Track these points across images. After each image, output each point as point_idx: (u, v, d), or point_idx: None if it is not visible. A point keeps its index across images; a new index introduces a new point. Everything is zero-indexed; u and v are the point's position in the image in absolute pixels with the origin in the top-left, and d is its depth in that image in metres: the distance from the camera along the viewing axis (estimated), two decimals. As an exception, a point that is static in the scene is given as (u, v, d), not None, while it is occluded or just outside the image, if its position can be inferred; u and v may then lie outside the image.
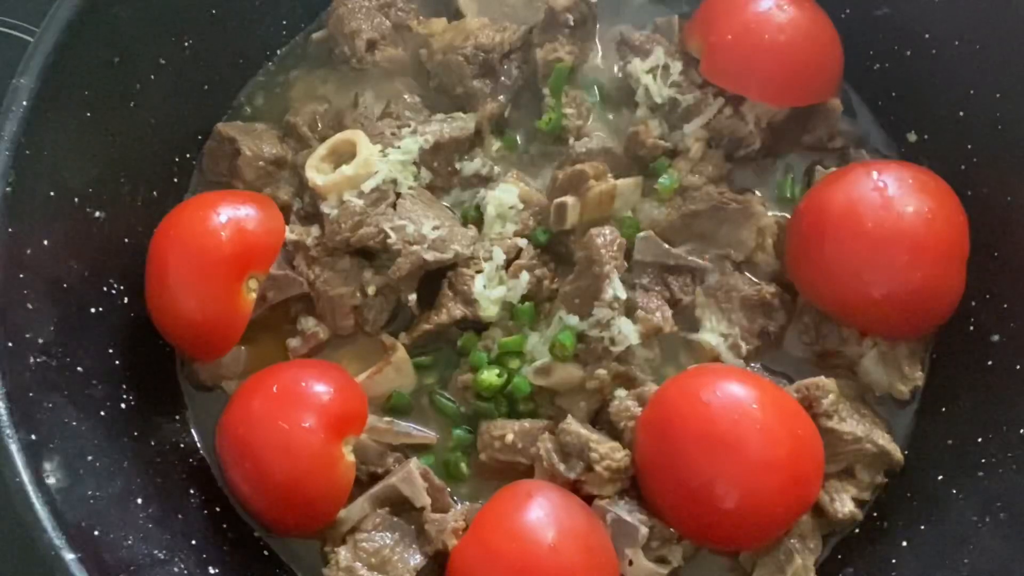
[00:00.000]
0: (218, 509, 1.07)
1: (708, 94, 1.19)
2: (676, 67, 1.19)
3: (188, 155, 1.22)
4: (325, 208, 1.12)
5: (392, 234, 1.10)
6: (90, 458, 0.93)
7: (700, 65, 1.18)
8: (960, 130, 1.10)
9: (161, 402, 1.11)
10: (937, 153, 1.15)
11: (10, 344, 0.89)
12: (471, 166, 1.21)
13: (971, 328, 1.07)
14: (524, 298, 1.12)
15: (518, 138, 1.24)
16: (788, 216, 1.16)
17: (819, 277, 1.08)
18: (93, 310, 1.03)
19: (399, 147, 1.15)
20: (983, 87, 1.07)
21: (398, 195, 1.14)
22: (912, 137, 1.19)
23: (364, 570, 0.99)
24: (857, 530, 1.07)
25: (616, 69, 1.22)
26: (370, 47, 1.24)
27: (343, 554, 1.00)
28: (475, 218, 1.18)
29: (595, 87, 1.26)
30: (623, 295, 1.07)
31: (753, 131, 1.18)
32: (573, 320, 1.08)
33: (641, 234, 1.13)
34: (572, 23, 1.20)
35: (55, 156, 0.98)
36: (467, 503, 1.08)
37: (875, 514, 1.08)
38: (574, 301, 1.09)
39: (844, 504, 1.04)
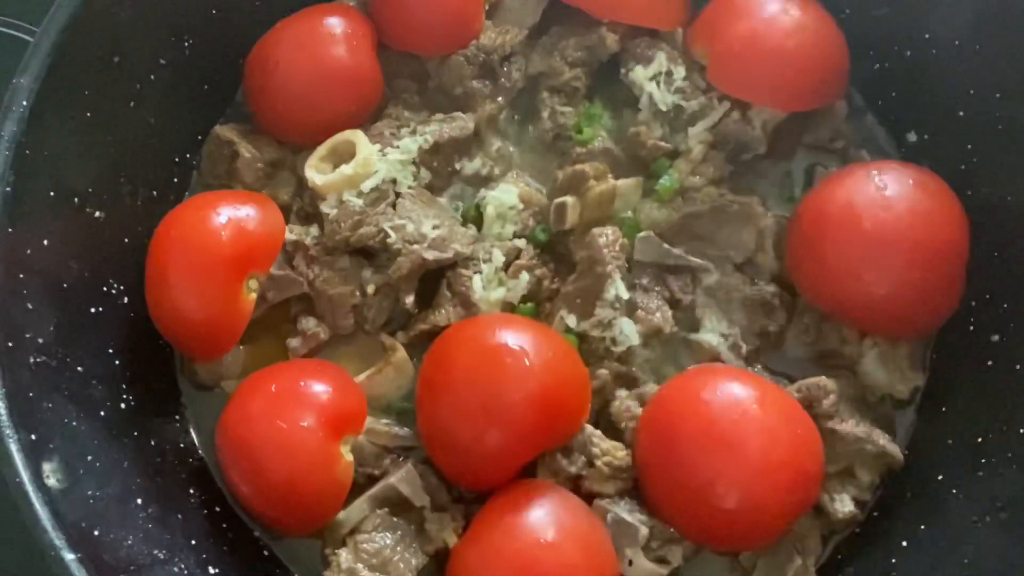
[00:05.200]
0: (218, 509, 1.07)
1: (713, 99, 1.19)
2: (679, 72, 1.19)
3: (188, 155, 1.22)
4: (324, 208, 1.12)
5: (392, 233, 1.10)
6: (90, 458, 0.93)
7: (707, 72, 1.18)
8: (960, 130, 1.10)
9: (161, 402, 1.12)
10: (937, 153, 1.15)
11: (10, 344, 0.89)
12: (471, 166, 1.21)
13: (971, 328, 1.07)
14: (524, 298, 1.12)
15: (511, 142, 1.25)
16: (788, 216, 1.16)
17: (819, 277, 1.08)
18: (93, 310, 1.03)
19: (398, 147, 1.15)
20: (983, 87, 1.07)
21: (398, 195, 1.14)
22: (912, 137, 1.19)
23: (365, 571, 0.99)
24: (857, 530, 1.07)
25: (623, 73, 1.22)
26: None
27: (344, 556, 1.00)
28: (475, 218, 1.17)
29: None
30: (625, 295, 1.07)
31: (760, 136, 1.18)
32: (574, 320, 1.08)
33: (641, 234, 1.13)
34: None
35: (55, 156, 0.98)
36: (467, 502, 1.07)
37: (875, 514, 1.08)
38: (575, 301, 1.09)
39: (844, 504, 1.04)
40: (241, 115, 1.26)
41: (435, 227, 1.11)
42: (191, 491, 1.06)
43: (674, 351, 1.13)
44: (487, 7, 1.24)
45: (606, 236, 1.09)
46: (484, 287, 1.11)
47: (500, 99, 1.23)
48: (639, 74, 1.19)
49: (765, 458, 0.93)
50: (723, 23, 1.17)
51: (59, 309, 0.97)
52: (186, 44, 1.16)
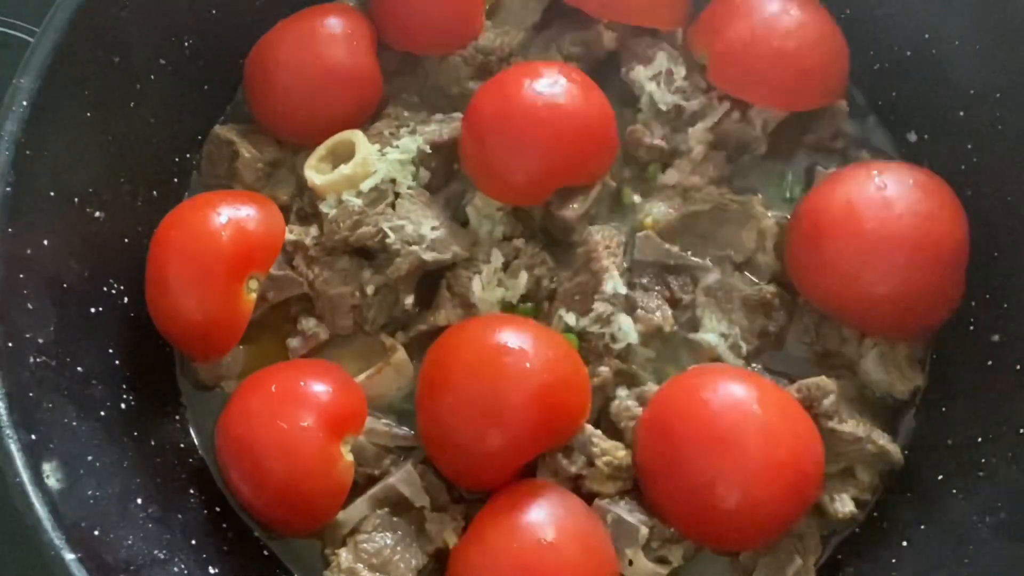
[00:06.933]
0: (218, 509, 1.07)
1: (713, 98, 1.19)
2: (679, 72, 1.19)
3: (188, 155, 1.22)
4: (323, 208, 1.12)
5: (391, 234, 1.10)
6: (90, 458, 0.93)
7: (707, 72, 1.18)
8: (960, 130, 1.11)
9: (161, 402, 1.12)
10: (937, 153, 1.15)
11: (10, 344, 0.89)
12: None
13: (971, 328, 1.07)
14: (524, 298, 1.12)
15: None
16: (789, 216, 1.16)
17: (819, 277, 1.08)
18: (93, 310, 1.03)
19: (397, 147, 1.15)
20: (983, 87, 1.07)
21: (397, 195, 1.14)
22: (912, 137, 1.19)
23: (366, 571, 0.99)
24: (857, 530, 1.07)
25: (623, 72, 1.22)
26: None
27: (344, 556, 1.00)
28: (465, 219, 1.17)
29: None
30: (623, 290, 1.07)
31: (760, 135, 1.18)
32: (573, 318, 1.08)
33: (641, 233, 1.14)
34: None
35: (55, 156, 0.98)
36: (467, 502, 1.08)
37: (875, 514, 1.08)
38: (574, 298, 1.09)
39: (844, 504, 1.04)
40: (241, 115, 1.26)
41: (434, 228, 1.11)
42: (191, 491, 1.06)
43: (674, 351, 1.13)
44: (487, 7, 1.24)
45: (603, 232, 1.10)
46: (483, 287, 1.11)
47: (499, 99, 1.23)
48: (640, 73, 1.19)
49: (765, 458, 0.93)
50: (723, 23, 1.17)
51: (59, 309, 0.97)
52: (186, 44, 1.16)
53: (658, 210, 1.17)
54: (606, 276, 1.07)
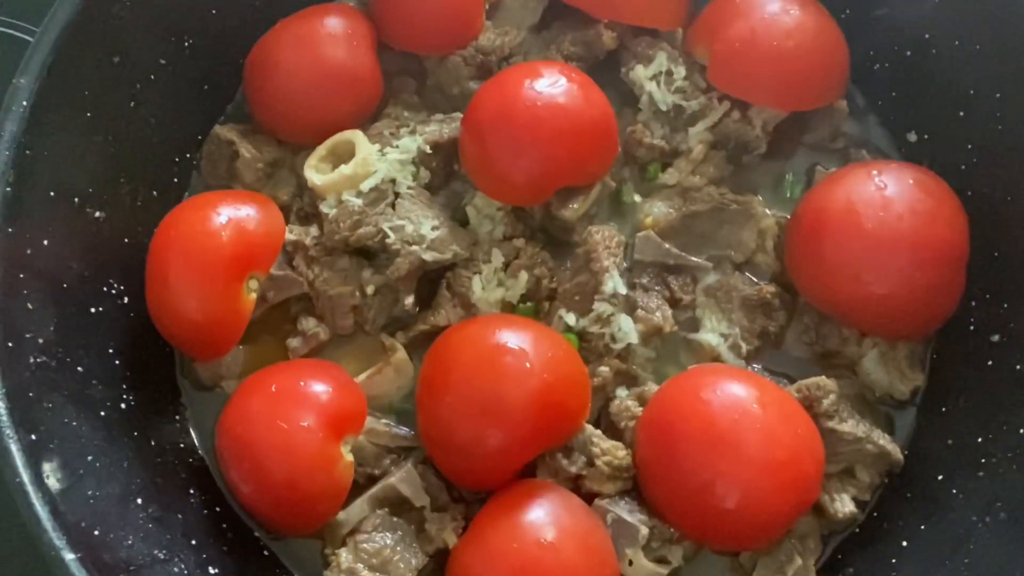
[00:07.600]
0: (218, 509, 1.07)
1: (713, 98, 1.19)
2: (679, 72, 1.19)
3: (188, 155, 1.22)
4: (324, 208, 1.12)
5: (391, 234, 1.10)
6: (90, 458, 0.93)
7: (707, 73, 1.18)
8: (960, 130, 1.11)
9: (161, 402, 1.12)
10: (937, 153, 1.15)
11: (10, 344, 0.89)
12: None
13: (971, 328, 1.08)
14: (524, 298, 1.12)
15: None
16: (789, 216, 1.16)
17: (819, 277, 1.08)
18: (93, 310, 1.03)
19: (397, 147, 1.15)
20: (983, 87, 1.07)
21: (397, 195, 1.14)
22: (912, 137, 1.19)
23: (366, 571, 0.99)
24: (857, 530, 1.07)
25: (623, 72, 1.22)
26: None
27: (344, 556, 1.00)
28: (464, 219, 1.17)
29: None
30: (623, 290, 1.07)
31: (760, 135, 1.18)
32: (573, 318, 1.08)
33: (641, 233, 1.14)
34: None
35: (55, 156, 0.98)
36: (467, 502, 1.07)
37: (875, 514, 1.08)
38: (574, 298, 1.09)
39: (844, 504, 1.04)
40: (241, 115, 1.26)
41: (434, 228, 1.11)
42: (191, 491, 1.06)
43: (674, 351, 1.13)
44: (487, 7, 1.24)
45: (603, 232, 1.10)
46: (483, 287, 1.11)
47: (499, 99, 1.23)
48: (639, 73, 1.19)
49: (765, 458, 0.93)
50: (723, 23, 1.17)
51: (59, 309, 0.97)
52: (186, 44, 1.16)
53: (658, 210, 1.17)
54: (606, 276, 1.07)
